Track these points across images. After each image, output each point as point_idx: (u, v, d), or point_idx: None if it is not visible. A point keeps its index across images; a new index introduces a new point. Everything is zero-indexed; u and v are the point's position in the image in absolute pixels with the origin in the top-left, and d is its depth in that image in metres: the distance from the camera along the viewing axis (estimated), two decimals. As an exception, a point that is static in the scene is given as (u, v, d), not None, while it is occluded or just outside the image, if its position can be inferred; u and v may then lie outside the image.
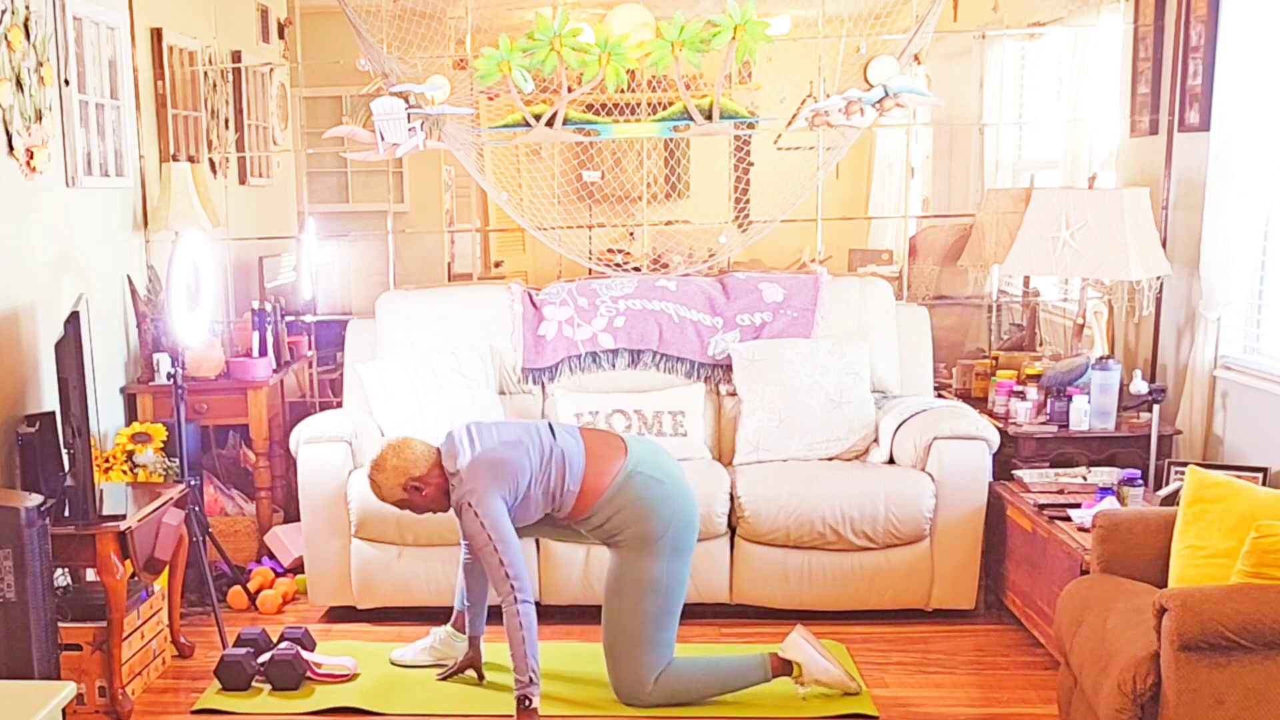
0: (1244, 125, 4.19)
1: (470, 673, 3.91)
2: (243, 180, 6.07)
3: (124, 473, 4.47)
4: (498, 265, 7.91)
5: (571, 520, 3.66)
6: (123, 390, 4.87)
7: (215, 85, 5.68)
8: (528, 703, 3.45)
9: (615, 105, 4.90)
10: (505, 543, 3.44)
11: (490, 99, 4.97)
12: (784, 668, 3.66)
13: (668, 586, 3.61)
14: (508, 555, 3.43)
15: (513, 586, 3.43)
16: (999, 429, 4.41)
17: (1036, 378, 4.68)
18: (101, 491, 3.90)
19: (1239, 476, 3.32)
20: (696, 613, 4.35)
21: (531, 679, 3.45)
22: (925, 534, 4.27)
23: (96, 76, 4.72)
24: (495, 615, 4.11)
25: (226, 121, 5.83)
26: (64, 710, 2.32)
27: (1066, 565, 3.69)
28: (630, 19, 4.77)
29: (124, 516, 3.68)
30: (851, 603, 4.31)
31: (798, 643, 3.68)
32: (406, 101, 4.75)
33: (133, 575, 3.74)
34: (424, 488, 3.57)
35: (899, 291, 5.30)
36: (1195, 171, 4.58)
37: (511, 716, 3.54)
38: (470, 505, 3.46)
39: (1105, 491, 4.01)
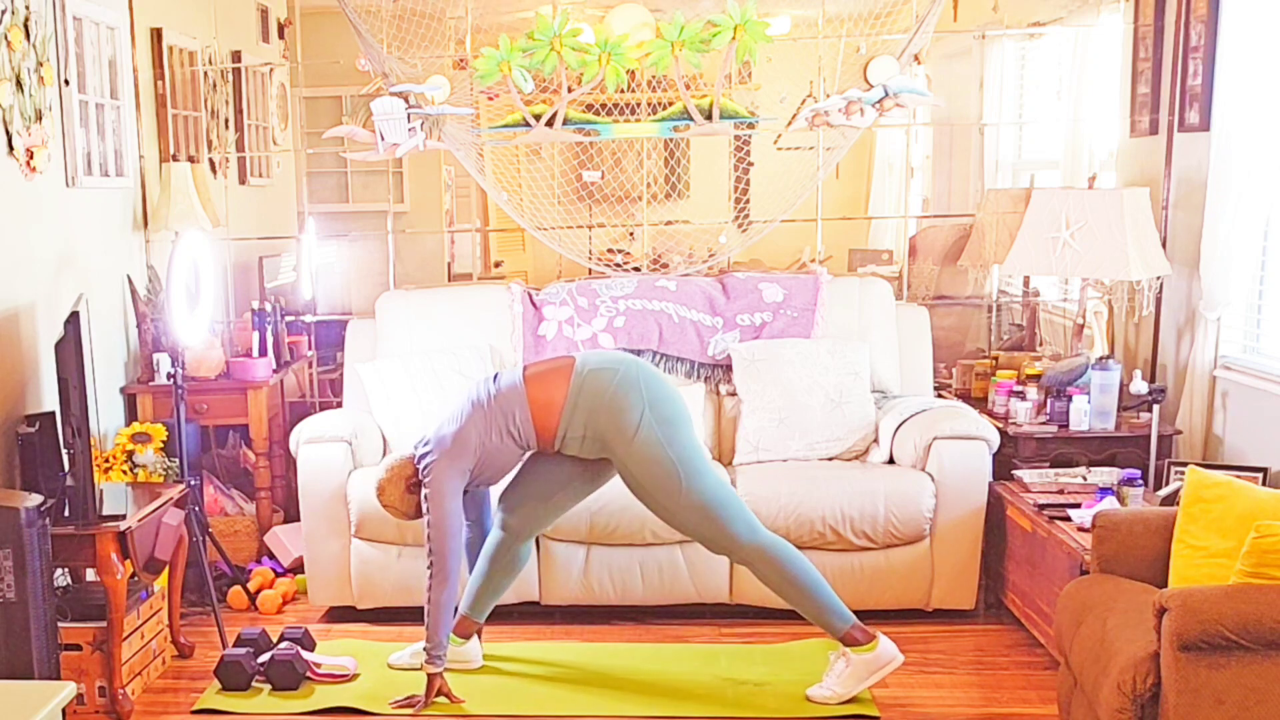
0: (1244, 125, 4.18)
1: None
2: (243, 180, 6.07)
3: (124, 473, 4.47)
4: (498, 265, 7.92)
5: (551, 447, 3.69)
6: (123, 390, 4.87)
7: (215, 85, 5.68)
8: (432, 667, 3.69)
9: (615, 105, 4.90)
10: (440, 528, 3.58)
11: (490, 99, 4.97)
12: (856, 641, 3.65)
13: (683, 455, 3.61)
14: (439, 538, 3.58)
15: (433, 567, 3.60)
16: (999, 429, 4.41)
17: (1036, 378, 4.68)
18: (101, 491, 3.90)
19: (1239, 476, 3.32)
20: (696, 613, 4.36)
21: (433, 651, 3.65)
22: (925, 534, 4.27)
23: (96, 76, 4.72)
24: (496, 613, 4.14)
25: (226, 121, 5.83)
26: (64, 710, 2.32)
27: (1066, 565, 3.69)
28: (630, 19, 4.76)
29: (124, 516, 3.69)
30: (851, 603, 4.26)
31: (889, 654, 3.65)
32: (406, 101, 4.75)
33: (133, 575, 3.74)
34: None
35: (899, 291, 5.29)
36: (1195, 171, 4.58)
37: (512, 716, 3.65)
38: (426, 484, 3.64)
39: (1105, 491, 4.01)
